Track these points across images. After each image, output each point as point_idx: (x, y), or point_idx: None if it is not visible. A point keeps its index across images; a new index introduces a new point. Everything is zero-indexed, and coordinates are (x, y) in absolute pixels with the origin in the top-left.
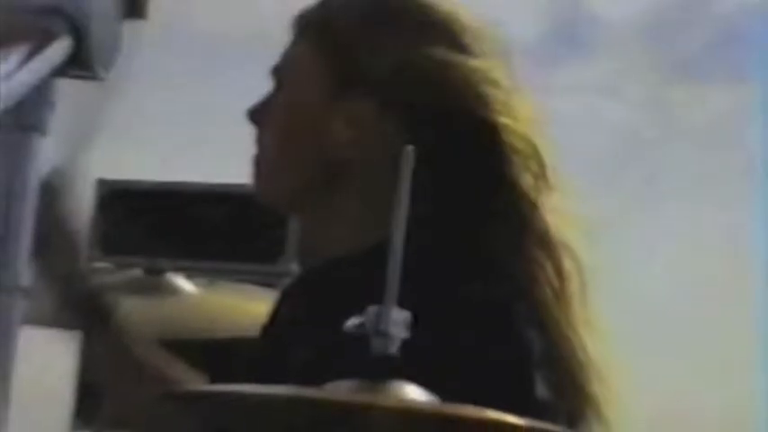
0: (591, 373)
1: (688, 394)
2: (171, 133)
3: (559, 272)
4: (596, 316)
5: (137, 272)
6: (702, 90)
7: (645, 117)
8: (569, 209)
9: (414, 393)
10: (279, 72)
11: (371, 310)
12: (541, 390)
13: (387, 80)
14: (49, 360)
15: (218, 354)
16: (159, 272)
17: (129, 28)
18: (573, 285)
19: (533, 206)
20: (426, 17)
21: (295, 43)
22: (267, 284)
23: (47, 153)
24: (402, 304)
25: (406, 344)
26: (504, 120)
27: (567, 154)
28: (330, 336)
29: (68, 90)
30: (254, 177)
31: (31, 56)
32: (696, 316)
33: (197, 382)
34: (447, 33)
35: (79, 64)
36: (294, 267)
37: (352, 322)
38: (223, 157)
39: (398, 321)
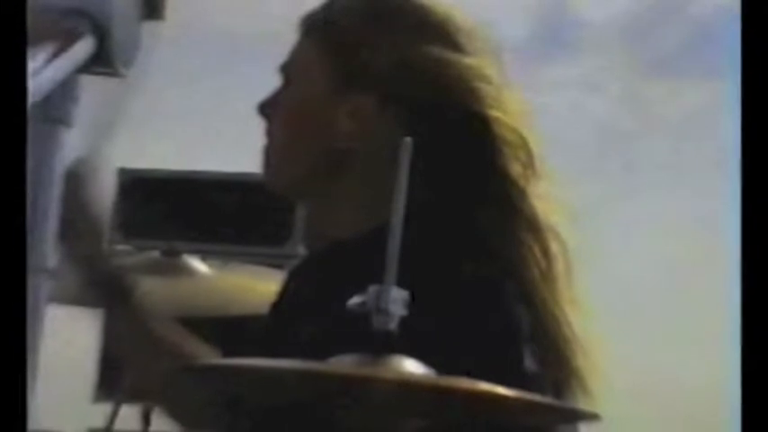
0: (575, 347)
1: (664, 367)
2: (187, 125)
3: (546, 253)
4: (580, 294)
5: (155, 254)
6: (678, 86)
7: (624, 111)
8: (555, 195)
9: (411, 366)
10: (287, 69)
11: (372, 289)
12: (529, 363)
13: (386, 76)
14: (74, 336)
15: (231, 330)
16: (176, 254)
17: (148, 28)
18: (559, 266)
19: (522, 193)
20: (423, 18)
21: (301, 42)
22: (276, 266)
23: (72, 144)
24: (401, 284)
25: (404, 320)
26: (495, 113)
27: (553, 145)
28: (334, 313)
29: (92, 85)
30: (264, 166)
31: (57, 54)
32: (672, 295)
33: (211, 356)
34: (442, 33)
35: (102, 62)
36: (301, 250)
37: (354, 300)
38: (235, 147)
39: (397, 300)
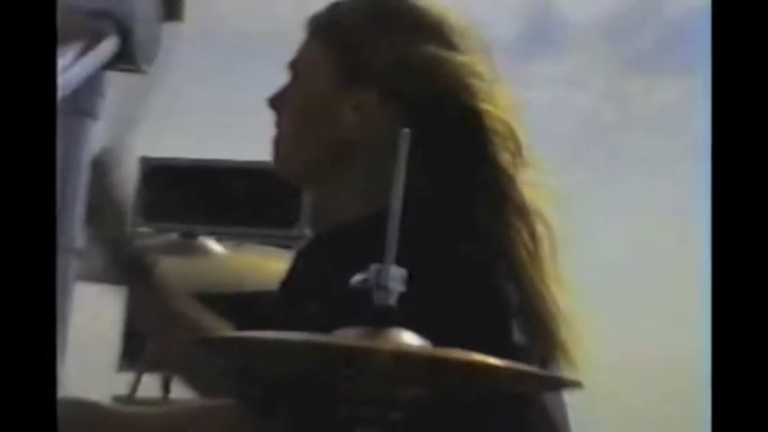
0: (560, 321)
1: (642, 339)
2: (203, 118)
3: (533, 236)
4: (565, 273)
5: (174, 236)
6: (655, 82)
7: (605, 105)
8: (542, 182)
9: (409, 339)
10: (294, 66)
11: (373, 267)
12: (518, 335)
13: (386, 73)
14: (100, 311)
15: (243, 305)
16: (193, 236)
17: (168, 29)
18: (545, 247)
19: (511, 180)
20: (420, 19)
21: (308, 42)
22: (285, 246)
23: (98, 135)
24: (400, 263)
25: (403, 296)
26: (486, 107)
27: (540, 136)
28: (338, 289)
29: (116, 81)
30: (274, 155)
31: (84, 52)
32: (648, 273)
33: (225, 330)
34: (438, 33)
35: (125, 59)
36: (308, 232)
37: (356, 278)
38: (247, 138)
39: (396, 277)
